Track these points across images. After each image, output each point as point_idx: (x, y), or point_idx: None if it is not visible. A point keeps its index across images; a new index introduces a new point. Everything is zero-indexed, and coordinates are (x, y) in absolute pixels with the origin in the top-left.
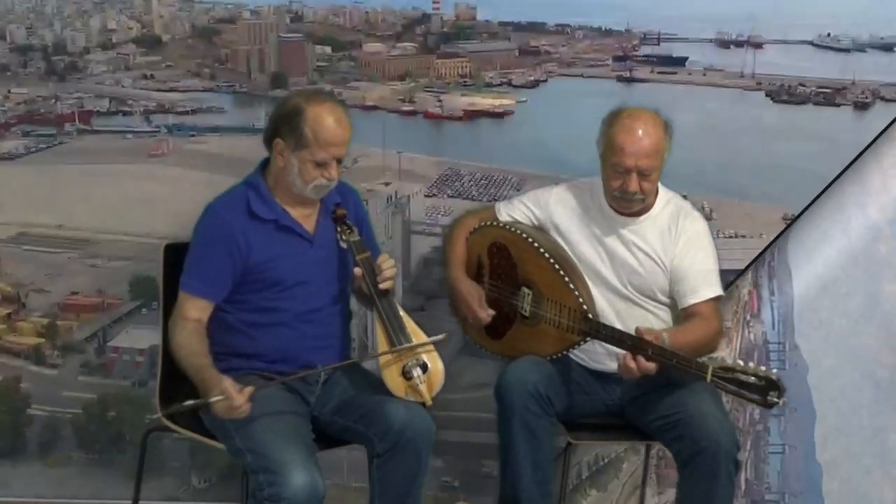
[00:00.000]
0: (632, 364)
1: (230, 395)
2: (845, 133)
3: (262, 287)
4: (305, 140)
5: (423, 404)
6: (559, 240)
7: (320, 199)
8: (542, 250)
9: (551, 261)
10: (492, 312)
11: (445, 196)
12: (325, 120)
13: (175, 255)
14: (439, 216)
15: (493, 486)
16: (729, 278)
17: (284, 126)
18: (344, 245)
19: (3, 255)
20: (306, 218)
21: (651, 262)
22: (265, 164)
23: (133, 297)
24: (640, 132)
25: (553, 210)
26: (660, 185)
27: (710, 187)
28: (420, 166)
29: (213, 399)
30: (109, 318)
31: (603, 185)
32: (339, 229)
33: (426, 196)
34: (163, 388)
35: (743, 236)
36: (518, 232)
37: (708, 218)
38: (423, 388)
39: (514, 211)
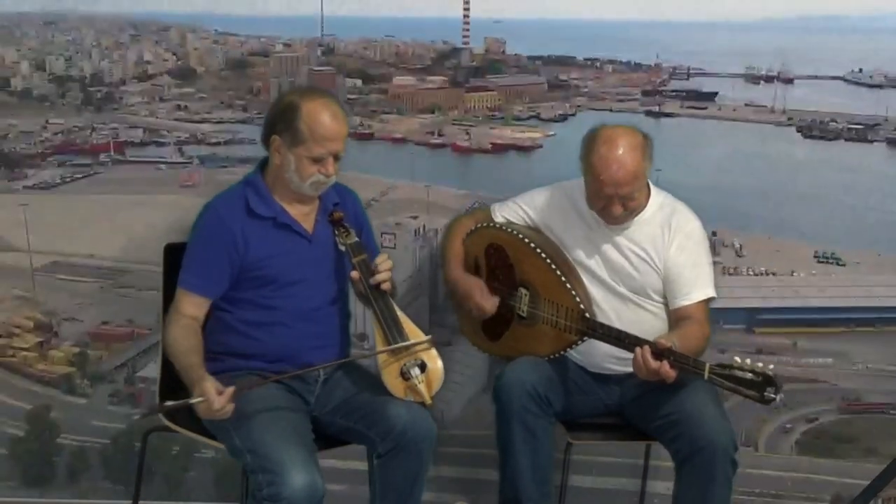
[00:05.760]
0: (653, 365)
1: (209, 398)
2: (879, 169)
3: (259, 284)
4: (301, 136)
5: (424, 404)
6: (553, 241)
7: (319, 196)
8: (538, 251)
9: (548, 261)
10: (496, 300)
11: None
12: (321, 115)
13: (175, 255)
14: None
15: (493, 487)
16: (759, 315)
17: (280, 123)
18: (342, 248)
19: (37, 283)
20: (305, 216)
21: (645, 265)
22: (264, 163)
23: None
24: (616, 165)
25: (547, 212)
26: (652, 186)
27: (740, 222)
28: (448, 199)
29: (194, 401)
30: (139, 348)
31: (587, 201)
32: (336, 232)
33: None
34: (163, 387)
35: (773, 273)
36: (514, 233)
37: (738, 255)
38: (422, 388)
39: (509, 212)
